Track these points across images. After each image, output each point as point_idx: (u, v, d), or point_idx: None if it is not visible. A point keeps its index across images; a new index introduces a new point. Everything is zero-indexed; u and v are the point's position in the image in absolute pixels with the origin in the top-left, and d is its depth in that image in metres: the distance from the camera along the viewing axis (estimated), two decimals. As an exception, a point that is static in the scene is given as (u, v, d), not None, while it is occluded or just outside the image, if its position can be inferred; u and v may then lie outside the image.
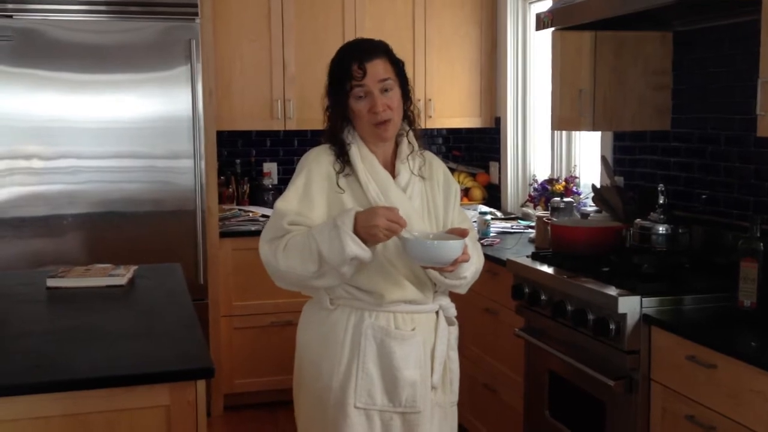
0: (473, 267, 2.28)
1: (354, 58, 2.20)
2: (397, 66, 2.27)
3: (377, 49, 2.25)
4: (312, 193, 2.20)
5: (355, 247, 2.04)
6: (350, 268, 2.09)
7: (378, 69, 2.21)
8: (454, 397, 2.37)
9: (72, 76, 3.89)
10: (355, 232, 2.05)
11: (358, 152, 2.24)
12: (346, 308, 2.22)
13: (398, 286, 2.21)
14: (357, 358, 2.19)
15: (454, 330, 2.36)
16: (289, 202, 2.19)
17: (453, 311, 2.35)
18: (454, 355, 2.36)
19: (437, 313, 2.30)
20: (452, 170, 5.02)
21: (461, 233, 2.17)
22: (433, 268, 2.17)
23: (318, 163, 2.23)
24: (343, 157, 2.23)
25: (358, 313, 2.21)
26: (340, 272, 2.09)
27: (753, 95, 2.40)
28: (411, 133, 2.32)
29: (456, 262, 2.12)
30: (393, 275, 2.20)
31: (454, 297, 2.38)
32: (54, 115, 3.88)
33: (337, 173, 2.21)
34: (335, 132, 2.25)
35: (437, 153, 5.14)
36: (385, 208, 2.10)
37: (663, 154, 3.39)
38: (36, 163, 3.88)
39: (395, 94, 2.23)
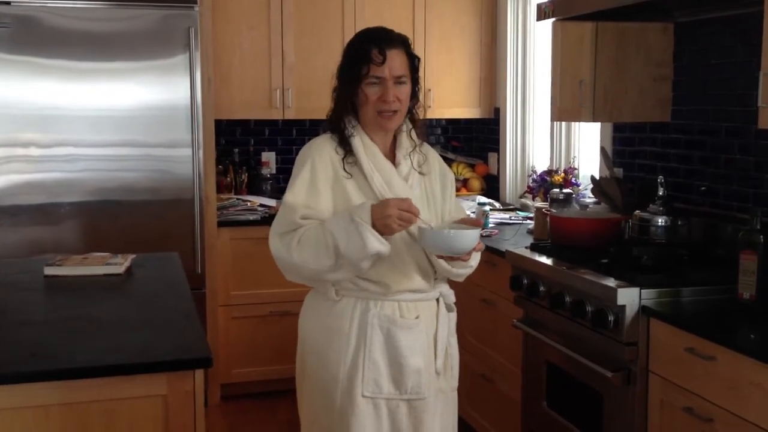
0: (479, 255, 2.30)
1: (375, 43, 2.21)
2: (413, 61, 2.28)
3: (398, 39, 2.26)
4: (318, 184, 2.20)
5: (376, 243, 2.07)
6: (369, 262, 2.11)
7: (396, 60, 2.21)
8: (455, 382, 2.40)
9: (70, 64, 3.87)
10: (372, 225, 2.07)
11: (361, 141, 2.24)
12: (351, 298, 2.23)
13: (404, 276, 2.24)
14: (363, 347, 2.21)
15: (453, 316, 2.40)
16: (297, 194, 2.18)
17: (452, 298, 2.38)
18: (454, 341, 2.40)
19: (437, 300, 2.33)
20: (451, 161, 5.03)
21: (474, 223, 2.21)
22: (448, 258, 2.19)
23: (321, 153, 2.23)
24: (344, 144, 2.23)
25: (364, 302, 2.23)
26: (359, 267, 2.11)
27: (754, 87, 2.40)
28: (413, 131, 2.34)
29: (471, 252, 2.15)
30: (399, 265, 2.22)
31: (451, 286, 2.41)
32: (52, 102, 3.86)
33: (342, 159, 2.21)
34: (338, 115, 2.25)
35: (436, 143, 5.16)
36: (397, 198, 2.12)
37: (663, 145, 3.38)
38: (33, 151, 3.87)
39: (406, 87, 2.25)
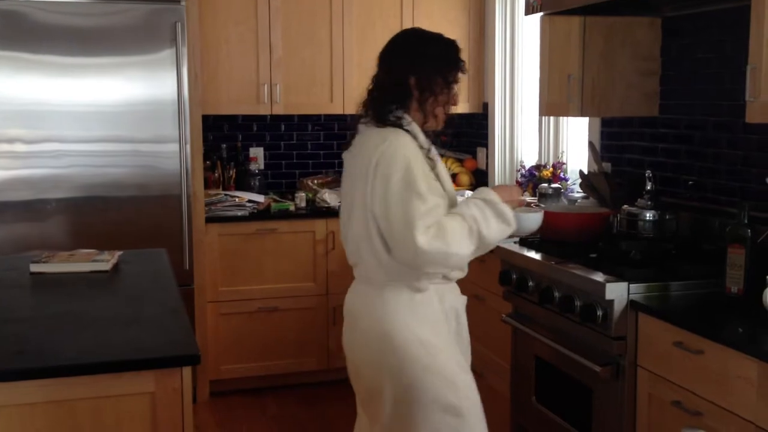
0: None
1: (460, 53, 2.40)
2: None
3: None
4: (427, 178, 2.28)
5: (515, 222, 2.31)
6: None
7: None
8: None
9: (56, 59, 3.84)
10: None
11: (426, 140, 2.37)
12: (431, 287, 2.35)
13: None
14: (448, 330, 2.39)
15: None
16: (423, 187, 2.23)
17: None
18: None
19: None
20: (440, 156, 5.01)
21: (522, 204, 2.53)
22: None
23: (412, 151, 2.28)
24: (424, 144, 2.35)
25: (439, 289, 2.37)
26: (490, 248, 2.32)
27: (741, 81, 2.40)
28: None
29: None
30: None
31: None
32: (37, 98, 3.84)
33: (428, 157, 2.33)
34: (388, 110, 2.32)
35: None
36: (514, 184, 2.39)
37: (651, 140, 3.39)
38: (19, 147, 3.84)
39: None
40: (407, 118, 2.33)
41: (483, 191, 2.33)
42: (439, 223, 2.20)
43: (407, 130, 2.31)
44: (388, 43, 2.42)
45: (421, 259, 2.21)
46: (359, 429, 2.54)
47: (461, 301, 2.47)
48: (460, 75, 2.38)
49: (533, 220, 2.45)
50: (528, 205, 2.70)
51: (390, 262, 2.28)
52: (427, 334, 2.32)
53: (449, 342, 2.38)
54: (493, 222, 2.26)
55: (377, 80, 2.38)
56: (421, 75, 2.32)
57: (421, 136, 2.34)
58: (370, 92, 2.39)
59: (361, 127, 2.38)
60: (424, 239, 2.17)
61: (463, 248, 2.23)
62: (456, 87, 2.38)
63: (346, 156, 2.43)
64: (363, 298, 2.39)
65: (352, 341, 2.44)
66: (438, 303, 2.36)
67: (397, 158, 2.23)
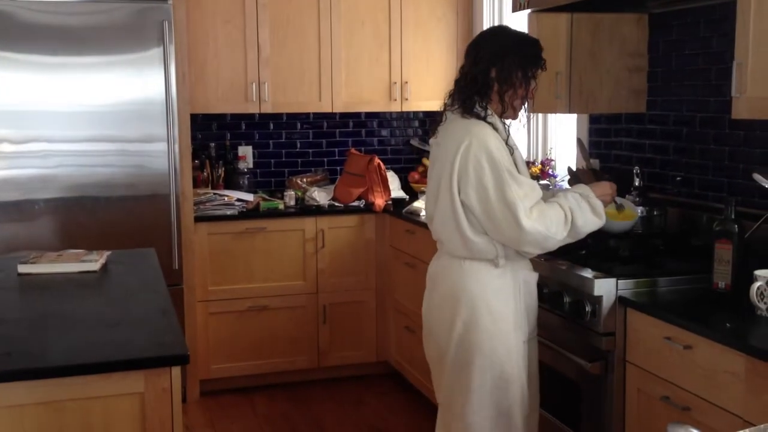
0: None
1: (541, 51, 2.56)
2: None
3: None
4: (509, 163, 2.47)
5: (605, 216, 2.52)
6: None
7: None
8: None
9: (43, 59, 3.82)
10: None
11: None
12: (507, 263, 2.53)
13: None
14: (519, 301, 2.56)
15: None
16: (514, 171, 2.43)
17: None
18: None
19: None
20: (429, 153, 5.02)
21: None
22: None
23: (494, 141, 2.44)
24: (503, 134, 2.50)
25: (514, 265, 2.54)
26: (581, 237, 2.50)
27: (728, 77, 2.42)
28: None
29: None
30: None
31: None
32: (24, 98, 3.82)
33: (507, 145, 2.49)
34: (475, 102, 2.48)
35: (413, 135, 5.16)
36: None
37: (638, 136, 3.40)
38: (6, 147, 3.82)
39: None
40: (489, 110, 2.49)
41: (579, 186, 2.55)
42: (541, 208, 2.42)
43: (489, 122, 2.46)
44: (476, 37, 2.62)
45: (524, 239, 2.42)
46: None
47: (533, 276, 2.62)
48: (540, 71, 2.54)
49: (623, 225, 2.81)
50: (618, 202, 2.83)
51: (471, 241, 2.47)
52: (495, 303, 2.52)
53: (516, 312, 2.54)
54: (587, 214, 2.47)
55: (463, 72, 2.54)
56: (502, 67, 2.48)
57: (501, 126, 2.50)
58: (457, 83, 2.56)
59: (449, 116, 2.55)
60: (527, 221, 2.39)
61: (558, 234, 2.44)
62: (535, 82, 2.53)
63: (433, 143, 2.63)
64: (445, 267, 2.59)
65: (430, 303, 2.67)
66: (511, 277, 2.54)
67: (482, 149, 2.41)
